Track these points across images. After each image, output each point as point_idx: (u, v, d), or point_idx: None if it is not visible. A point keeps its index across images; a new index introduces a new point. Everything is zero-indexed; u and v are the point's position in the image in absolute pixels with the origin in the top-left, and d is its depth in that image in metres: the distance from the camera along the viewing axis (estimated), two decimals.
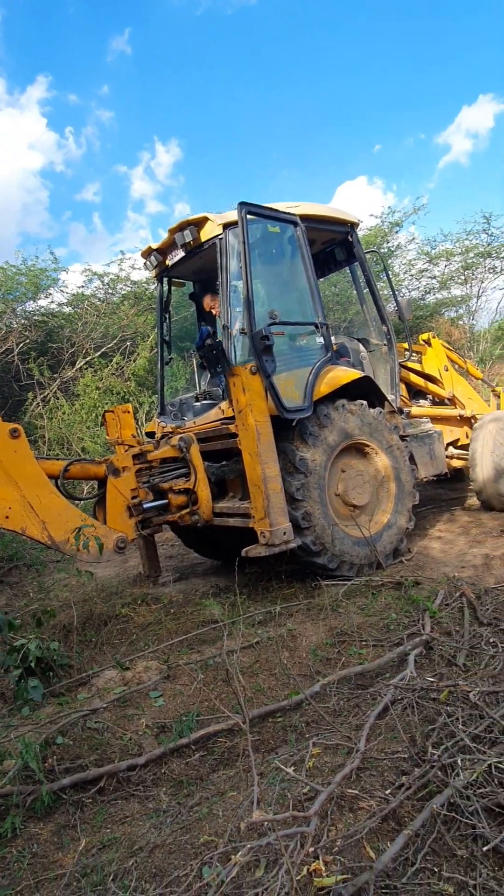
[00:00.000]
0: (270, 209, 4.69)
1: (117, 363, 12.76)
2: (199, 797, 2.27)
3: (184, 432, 4.73)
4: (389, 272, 11.54)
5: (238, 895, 1.61)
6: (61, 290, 13.88)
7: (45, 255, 17.61)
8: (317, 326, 4.85)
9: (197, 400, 5.33)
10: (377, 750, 2.24)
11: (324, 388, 4.56)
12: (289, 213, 4.81)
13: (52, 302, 13.76)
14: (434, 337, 6.98)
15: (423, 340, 6.89)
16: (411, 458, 5.31)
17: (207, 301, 5.64)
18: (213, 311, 5.57)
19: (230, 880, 1.62)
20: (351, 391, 4.80)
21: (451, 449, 6.72)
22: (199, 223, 4.73)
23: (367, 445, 4.86)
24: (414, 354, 6.46)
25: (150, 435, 5.38)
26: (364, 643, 3.40)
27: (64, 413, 11.69)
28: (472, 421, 6.84)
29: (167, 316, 5.77)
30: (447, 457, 6.38)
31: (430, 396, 6.74)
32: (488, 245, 15.88)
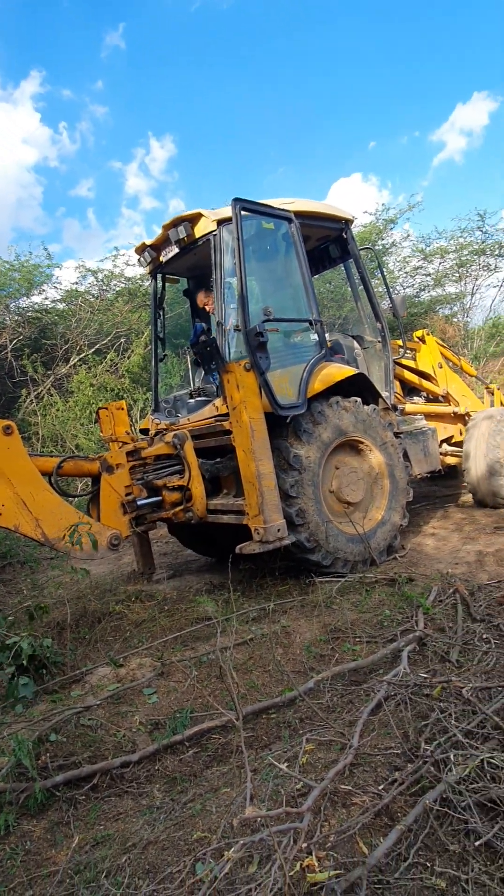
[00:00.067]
0: (265, 205, 4.68)
1: (111, 360, 12.73)
2: (193, 794, 2.27)
3: (178, 429, 4.73)
4: (384, 269, 11.53)
5: (231, 891, 1.61)
6: (55, 287, 13.84)
7: (38, 250, 17.50)
8: (311, 323, 4.84)
9: (191, 397, 5.32)
10: (370, 746, 2.25)
11: (318, 384, 4.55)
12: (283, 210, 4.80)
13: (46, 298, 13.71)
14: (428, 334, 6.98)
15: (418, 337, 6.90)
16: (405, 455, 5.32)
17: (201, 297, 5.63)
18: (207, 308, 5.56)
19: (223, 876, 1.62)
20: (345, 388, 4.80)
21: (445, 446, 6.74)
22: (194, 219, 4.72)
23: (362, 442, 4.87)
24: (408, 351, 6.46)
25: (144, 432, 5.37)
26: (358, 640, 3.41)
27: (58, 410, 11.65)
28: (466, 418, 6.85)
29: (161, 312, 5.75)
30: (441, 454, 6.39)
31: (424, 393, 6.75)
32: (482, 243, 15.93)
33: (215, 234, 4.60)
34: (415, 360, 6.65)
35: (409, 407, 6.16)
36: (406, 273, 17.02)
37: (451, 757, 2.00)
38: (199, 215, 4.68)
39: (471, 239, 15.91)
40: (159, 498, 4.57)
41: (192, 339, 5.64)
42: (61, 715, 2.88)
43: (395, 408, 5.49)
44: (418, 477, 5.87)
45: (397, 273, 16.88)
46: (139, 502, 4.46)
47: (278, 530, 4.05)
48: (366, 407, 4.90)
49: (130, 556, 6.07)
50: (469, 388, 7.39)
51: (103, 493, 4.32)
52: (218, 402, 4.55)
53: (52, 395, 12.07)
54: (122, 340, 13.46)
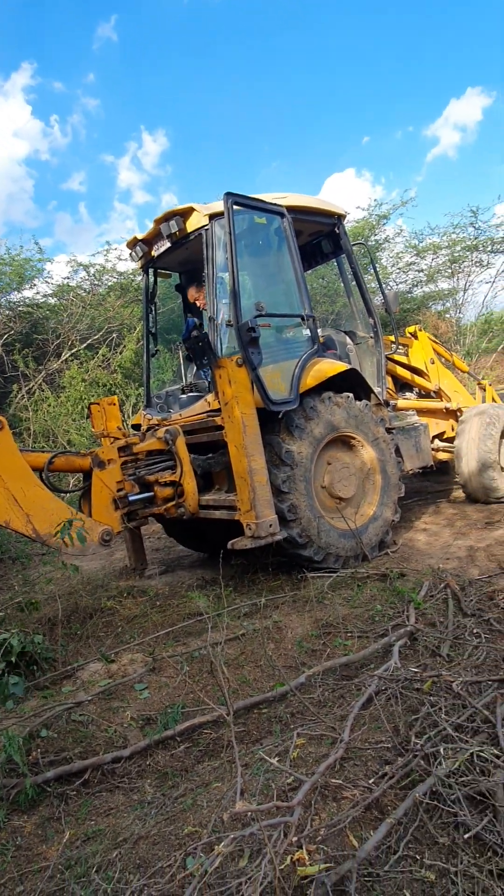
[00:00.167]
0: (257, 200, 4.66)
1: (103, 355, 12.67)
2: (184, 788, 2.27)
3: (170, 425, 4.71)
4: (377, 265, 11.54)
5: (221, 885, 1.61)
6: (46, 281, 13.75)
7: (29, 244, 17.38)
8: (303, 318, 4.84)
9: (183, 392, 5.30)
10: (361, 740, 2.26)
11: (310, 380, 4.55)
12: (275, 204, 4.79)
13: (37, 293, 13.63)
14: (421, 330, 6.99)
15: (410, 333, 6.90)
16: (397, 451, 5.33)
17: (192, 292, 5.61)
18: (199, 303, 5.54)
19: (214, 870, 1.62)
20: (337, 384, 4.80)
21: (436, 441, 6.76)
22: (185, 213, 4.69)
23: (354, 438, 4.87)
24: (400, 347, 6.47)
25: (136, 427, 5.36)
26: (349, 634, 3.42)
27: (49, 405, 11.59)
28: (458, 414, 6.87)
29: (153, 307, 5.73)
30: (433, 449, 6.41)
31: (416, 389, 6.76)
32: (475, 239, 15.97)
33: (207, 229, 4.58)
34: (407, 355, 6.66)
35: (401, 403, 6.17)
36: (399, 269, 17.05)
37: (441, 750, 2.01)
38: (191, 210, 4.65)
39: (463, 235, 15.96)
40: (151, 493, 4.56)
41: (184, 335, 5.62)
42: (52, 711, 2.88)
43: (387, 403, 5.50)
44: (410, 472, 5.89)
45: (390, 269, 16.91)
46: (131, 498, 4.45)
47: (270, 526, 4.05)
48: (358, 403, 4.90)
49: (122, 551, 6.06)
50: (461, 384, 7.42)
51: (95, 489, 4.31)
52: (210, 397, 4.54)
53: (43, 391, 12.01)
54: (114, 335, 13.41)
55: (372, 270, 8.04)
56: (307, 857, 1.63)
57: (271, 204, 4.76)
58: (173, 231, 4.71)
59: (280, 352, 4.66)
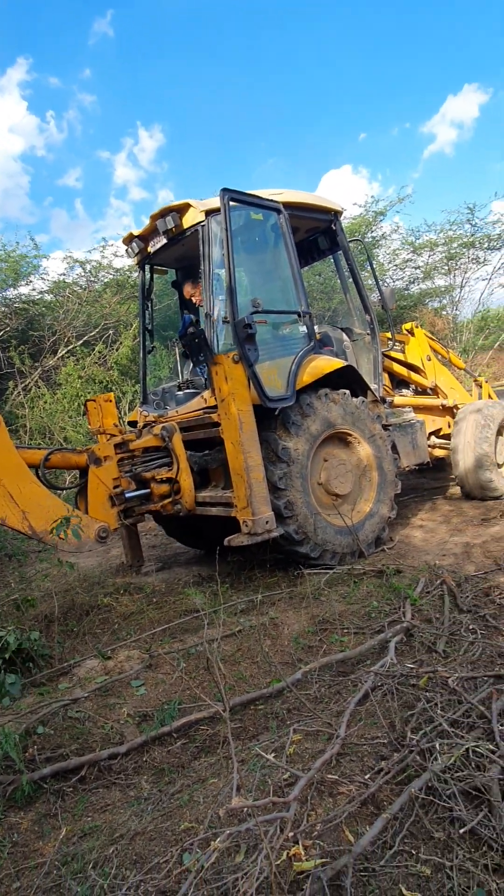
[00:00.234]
0: (253, 196, 4.65)
1: (100, 352, 12.64)
2: (181, 784, 2.28)
3: (166, 421, 4.71)
4: (373, 261, 11.52)
5: (218, 880, 1.62)
6: (42, 278, 13.69)
7: (25, 240, 17.34)
8: (300, 315, 4.83)
9: (179, 389, 5.29)
10: (357, 736, 2.26)
11: (307, 377, 4.55)
12: (272, 201, 4.78)
13: (33, 289, 13.56)
14: (417, 327, 6.99)
15: (407, 330, 6.91)
16: (394, 448, 5.33)
17: (188, 288, 5.59)
18: (194, 299, 5.53)
19: (210, 866, 1.62)
20: (334, 380, 4.80)
21: (433, 438, 6.77)
22: (182, 210, 4.68)
23: (350, 435, 4.88)
24: (397, 344, 6.47)
25: (133, 424, 5.35)
26: (345, 631, 3.43)
27: (45, 402, 11.56)
28: (455, 410, 6.88)
29: (149, 304, 5.72)
30: (429, 446, 6.42)
31: (412, 386, 6.77)
32: (472, 236, 15.95)
33: (203, 225, 4.57)
34: (403, 352, 6.66)
35: (397, 399, 6.18)
36: (395, 266, 17.02)
37: (437, 746, 2.01)
38: (188, 206, 4.64)
39: (460, 232, 15.93)
40: (147, 490, 4.55)
41: (181, 331, 5.61)
42: (49, 707, 2.88)
43: (383, 400, 5.50)
44: (406, 469, 5.89)
45: (387, 266, 16.88)
46: (127, 495, 4.44)
47: (267, 522, 4.05)
48: (354, 399, 4.90)
49: (119, 548, 6.06)
50: (457, 381, 7.43)
51: (91, 486, 4.30)
52: (206, 394, 4.53)
53: (39, 388, 11.97)
54: (111, 332, 13.37)
55: (368, 267, 8.04)
56: (303, 853, 1.64)
57: (268, 200, 4.75)
58: (170, 227, 4.69)
59: (277, 348, 4.65)
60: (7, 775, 2.38)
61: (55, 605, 4.16)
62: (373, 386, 5.31)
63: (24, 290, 13.37)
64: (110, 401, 5.14)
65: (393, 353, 6.37)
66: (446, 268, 16.78)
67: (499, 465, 6.35)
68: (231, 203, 4.41)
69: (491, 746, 1.96)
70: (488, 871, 1.56)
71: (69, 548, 3.94)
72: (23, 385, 12.00)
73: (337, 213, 5.51)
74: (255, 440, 4.08)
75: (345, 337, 5.74)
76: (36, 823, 2.20)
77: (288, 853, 1.64)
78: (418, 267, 17.03)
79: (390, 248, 16.86)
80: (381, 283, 7.46)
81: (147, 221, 4.98)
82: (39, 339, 12.92)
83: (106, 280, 14.48)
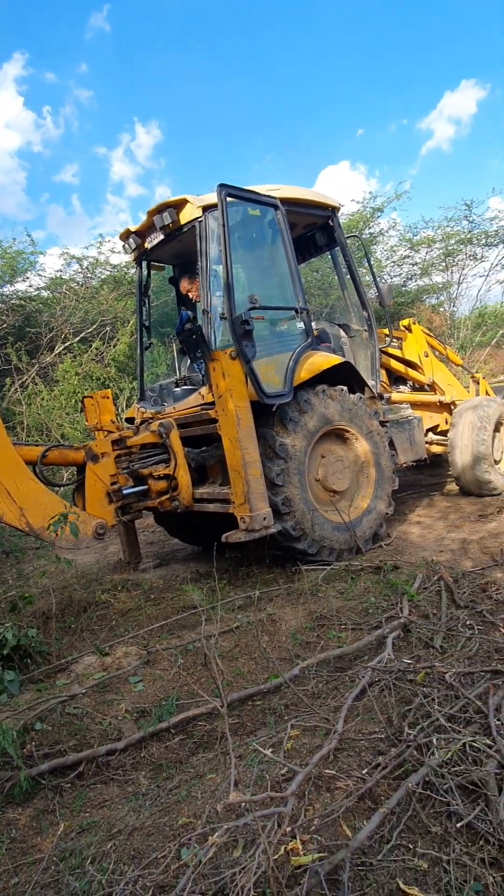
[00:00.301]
0: (251, 191, 4.64)
1: (97, 348, 12.61)
2: (178, 780, 2.28)
3: (163, 418, 4.70)
4: (371, 258, 11.50)
5: (215, 875, 1.62)
6: (39, 274, 13.67)
7: (22, 237, 17.27)
8: (297, 311, 4.82)
9: (177, 385, 5.29)
10: (355, 731, 2.27)
11: (304, 373, 4.55)
12: (269, 196, 4.76)
13: (30, 286, 13.55)
14: (415, 323, 7.00)
15: (404, 326, 6.91)
16: (391, 444, 5.34)
17: (184, 284, 5.58)
18: (191, 295, 5.52)
19: (208, 860, 1.63)
20: (331, 377, 4.79)
21: (430, 435, 6.77)
22: (179, 205, 4.66)
23: (348, 431, 4.88)
24: (394, 340, 6.47)
25: (130, 421, 5.34)
26: (343, 627, 3.43)
27: (43, 399, 11.54)
28: (452, 407, 6.89)
29: (146, 300, 5.70)
30: (427, 442, 6.43)
31: (410, 382, 6.77)
32: (469, 232, 15.97)
33: (201, 221, 4.55)
34: (401, 349, 6.66)
35: (394, 396, 6.18)
36: (393, 262, 17.04)
37: (434, 741, 2.02)
38: (185, 201, 4.62)
39: (458, 228, 15.96)
40: (145, 487, 4.55)
41: (178, 328, 5.60)
42: (46, 704, 2.88)
43: (381, 396, 5.50)
44: (404, 465, 5.90)
45: (384, 262, 16.89)
46: (125, 491, 4.44)
47: (264, 519, 4.05)
48: (352, 396, 4.90)
49: (116, 545, 6.06)
50: (455, 378, 7.43)
51: (89, 483, 4.30)
52: (204, 390, 4.53)
53: (36, 384, 11.95)
54: (108, 329, 13.35)
55: (366, 263, 8.04)
56: (301, 847, 1.64)
57: (265, 196, 4.73)
58: (167, 223, 4.68)
59: (274, 345, 4.65)
60: (5, 772, 2.38)
61: (53, 601, 4.16)
62: (370, 382, 5.30)
63: (20, 286, 13.37)
64: (107, 397, 5.14)
65: (390, 350, 6.37)
66: (444, 264, 16.80)
67: (496, 462, 6.36)
68: (228, 199, 4.40)
69: (487, 741, 1.97)
70: (485, 864, 1.57)
71: (67, 544, 3.94)
72: (20, 382, 11.97)
73: (334, 209, 5.50)
74: (253, 436, 4.08)
75: (342, 333, 5.73)
76: (34, 819, 2.20)
77: (286, 848, 1.64)
78: (416, 263, 17.06)
79: (388, 244, 16.88)
80: (378, 279, 7.45)
81: (144, 217, 4.96)
82: (36, 336, 12.90)
83: (103, 276, 14.47)
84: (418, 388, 6.81)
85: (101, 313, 13.35)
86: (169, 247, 5.14)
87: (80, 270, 14.39)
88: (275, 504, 4.25)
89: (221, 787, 2.08)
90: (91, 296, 13.78)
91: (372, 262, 8.88)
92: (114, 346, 12.72)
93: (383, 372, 6.06)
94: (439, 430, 6.91)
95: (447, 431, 6.58)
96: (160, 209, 4.73)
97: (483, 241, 16.21)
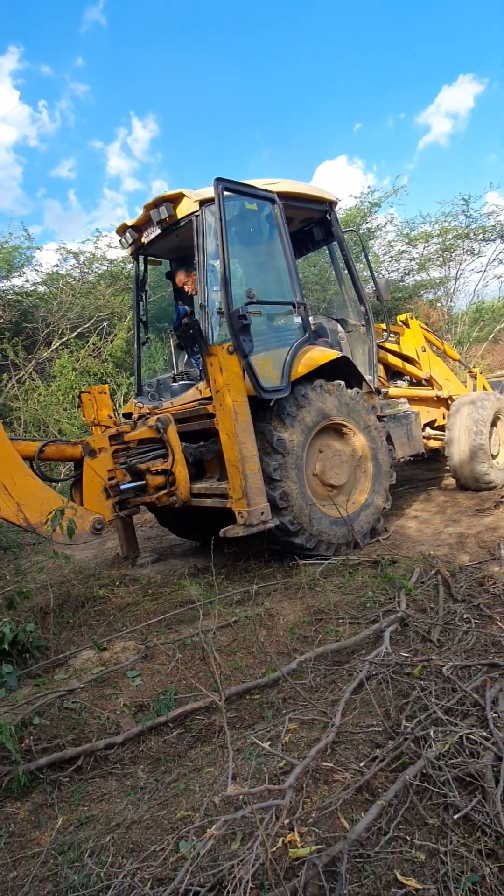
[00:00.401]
0: (248, 186, 4.62)
1: (94, 344, 12.59)
2: (177, 773, 2.29)
3: (161, 413, 4.69)
4: (368, 253, 11.51)
5: (214, 867, 1.63)
6: (36, 269, 13.62)
7: (18, 232, 17.19)
8: (294, 306, 4.81)
9: (174, 380, 5.28)
10: (352, 724, 2.28)
11: (301, 368, 4.54)
12: (266, 191, 4.74)
13: (27, 281, 13.50)
14: (412, 318, 6.99)
15: (401, 321, 6.90)
16: (388, 439, 5.34)
17: (181, 277, 5.54)
18: (186, 288, 5.49)
19: (206, 853, 1.64)
20: (329, 371, 4.79)
21: (428, 429, 6.78)
22: (175, 199, 4.64)
23: (345, 426, 4.87)
24: (392, 335, 6.46)
25: (128, 416, 5.33)
26: (341, 621, 3.44)
27: (40, 394, 11.51)
28: (449, 402, 6.89)
29: (143, 295, 5.68)
30: (424, 437, 6.43)
31: (407, 377, 6.77)
32: (467, 227, 15.92)
33: (197, 215, 4.54)
34: (398, 343, 6.65)
35: (392, 390, 6.18)
36: (390, 257, 16.99)
37: (431, 733, 2.03)
38: (181, 195, 4.60)
39: (455, 223, 15.90)
40: (143, 482, 4.55)
41: (175, 322, 5.59)
42: (45, 698, 2.88)
43: (378, 391, 5.50)
44: (401, 460, 5.90)
45: (382, 257, 16.84)
46: (122, 486, 4.44)
47: (262, 513, 4.06)
48: (349, 390, 4.90)
49: (114, 540, 6.06)
50: (452, 373, 7.43)
51: (86, 478, 4.29)
52: (201, 385, 4.52)
53: (33, 380, 11.93)
54: (105, 324, 13.31)
55: (363, 258, 8.02)
56: (299, 840, 1.65)
57: (262, 190, 4.72)
58: (163, 217, 4.66)
59: (271, 339, 4.64)
60: (3, 766, 2.39)
61: (51, 596, 4.16)
62: (368, 377, 5.30)
63: (17, 281, 13.31)
64: (105, 393, 5.13)
65: (388, 345, 6.36)
66: (441, 259, 16.76)
67: (493, 457, 6.37)
68: (225, 193, 4.38)
69: (484, 733, 1.98)
70: (482, 856, 1.57)
71: (64, 540, 3.93)
72: (17, 377, 11.94)
73: (332, 204, 5.48)
74: (251, 431, 4.08)
75: (340, 328, 5.72)
76: (32, 813, 2.21)
77: (284, 840, 1.65)
78: (413, 258, 17.00)
79: (385, 239, 16.82)
80: (376, 274, 7.45)
81: (141, 212, 4.94)
82: (33, 331, 12.86)
83: (100, 271, 14.41)
84: (416, 383, 6.81)
85: (98, 308, 13.31)
86: (166, 241, 5.12)
87: (76, 265, 14.35)
88: (272, 499, 4.25)
89: (219, 780, 2.08)
90: (88, 291, 13.74)
91: (369, 257, 8.87)
92: (111, 342, 12.69)
93: (381, 367, 6.06)
94: (437, 424, 6.92)
95: (445, 426, 6.59)
96: (157, 203, 4.70)
97: (480, 236, 16.17)
